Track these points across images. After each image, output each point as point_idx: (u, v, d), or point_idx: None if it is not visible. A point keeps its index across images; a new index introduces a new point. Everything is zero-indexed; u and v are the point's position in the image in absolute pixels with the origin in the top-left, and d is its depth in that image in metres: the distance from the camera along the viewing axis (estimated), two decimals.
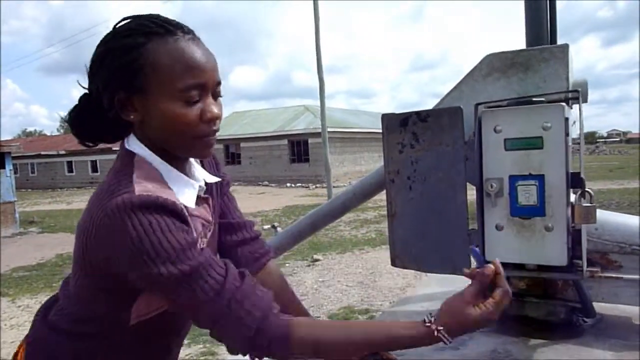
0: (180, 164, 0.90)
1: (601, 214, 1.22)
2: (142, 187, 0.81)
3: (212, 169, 1.05)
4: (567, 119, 1.00)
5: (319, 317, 4.70)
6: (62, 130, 63.21)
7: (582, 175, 1.01)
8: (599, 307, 1.25)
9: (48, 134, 63.00)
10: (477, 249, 1.00)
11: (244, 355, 0.84)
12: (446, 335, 0.75)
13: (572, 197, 1.05)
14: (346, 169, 25.29)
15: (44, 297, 6.17)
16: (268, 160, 26.43)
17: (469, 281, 0.88)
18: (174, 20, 0.88)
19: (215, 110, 0.85)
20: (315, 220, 1.58)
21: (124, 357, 0.96)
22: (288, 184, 24.58)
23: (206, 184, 0.95)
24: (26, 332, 3.19)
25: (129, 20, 0.88)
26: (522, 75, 1.13)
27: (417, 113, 1.10)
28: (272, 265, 1.08)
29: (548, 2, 1.40)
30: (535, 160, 1.02)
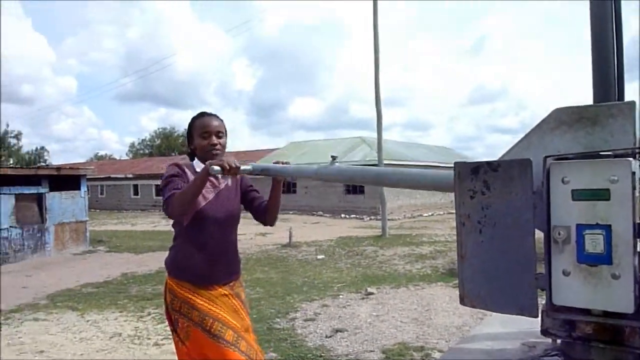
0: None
1: None
2: (178, 162, 2.28)
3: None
4: (634, 173, 1.06)
5: (373, 351, 4.70)
6: (130, 155, 66.95)
7: None
8: None
9: (117, 158, 66.83)
10: None
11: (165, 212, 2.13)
12: (208, 168, 2.05)
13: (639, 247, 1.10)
14: (401, 202, 25.08)
15: (109, 314, 6.57)
16: (323, 191, 26.72)
17: (531, 322, 1.07)
18: (207, 112, 2.35)
19: (214, 141, 2.25)
20: (365, 174, 1.70)
21: (191, 244, 2.20)
22: (342, 215, 24.68)
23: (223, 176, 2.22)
24: (93, 346, 3.72)
25: (195, 114, 2.36)
26: (590, 130, 1.20)
27: (489, 163, 1.20)
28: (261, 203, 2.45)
29: (615, 58, 1.47)
30: (602, 210, 1.09)
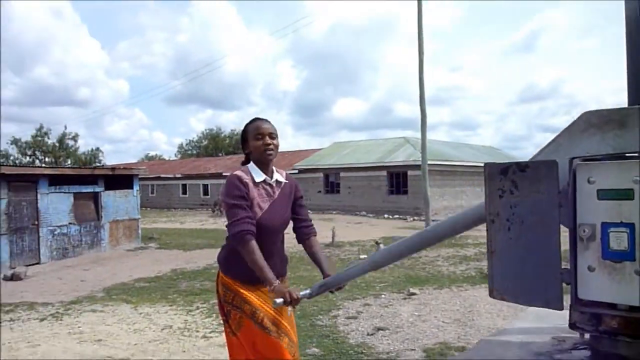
0: (264, 168, 2.39)
1: None
2: (238, 172, 2.35)
3: (291, 182, 2.56)
4: None
5: (414, 350, 4.74)
6: (179, 156, 69.09)
7: None
8: None
9: (166, 158, 69.08)
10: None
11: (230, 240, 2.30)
12: (273, 287, 2.13)
13: None
14: (446, 202, 24.70)
15: (160, 307, 6.91)
16: (366, 191, 26.69)
17: (562, 318, 1.15)
18: (259, 117, 2.48)
19: (268, 141, 2.36)
20: (411, 245, 1.79)
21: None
22: (385, 215, 24.57)
23: (279, 181, 2.44)
24: (146, 336, 3.96)
25: (250, 120, 2.48)
26: (618, 132, 1.25)
27: (517, 164, 1.28)
28: (314, 241, 2.58)
29: None
30: (627, 209, 1.14)
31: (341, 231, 15.88)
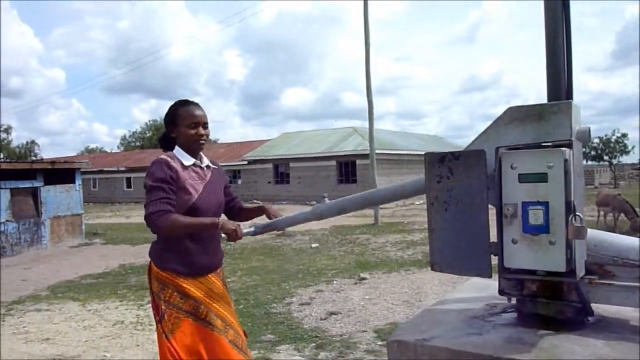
0: (193, 155, 2.24)
1: (598, 234, 1.52)
2: (164, 156, 2.17)
3: (219, 168, 2.42)
4: (566, 160, 1.32)
5: (366, 331, 4.96)
6: (122, 148, 66.64)
7: (576, 203, 1.33)
8: (601, 309, 1.54)
9: (109, 150, 66.44)
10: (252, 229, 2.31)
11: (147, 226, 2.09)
12: (219, 226, 2.07)
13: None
14: None
15: (110, 303, 6.80)
16: (316, 180, 26.95)
17: (496, 289, 1.39)
18: (190, 100, 2.29)
19: (202, 132, 2.22)
20: (354, 202, 2.05)
21: (184, 236, 2.14)
22: None
23: (209, 166, 2.30)
24: (97, 333, 3.82)
25: (176, 102, 2.28)
26: (536, 124, 1.46)
27: (452, 153, 1.46)
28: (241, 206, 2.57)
29: (566, 59, 1.71)
30: (542, 190, 1.35)
31: None
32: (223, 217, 2.40)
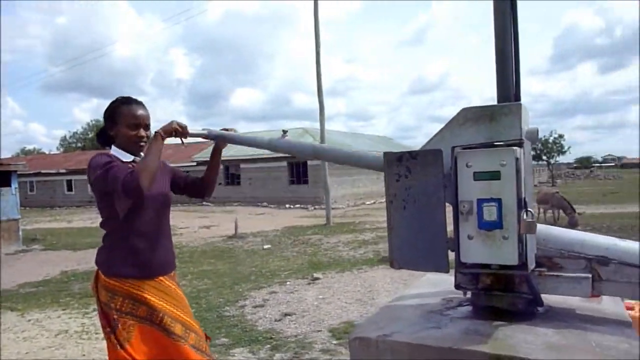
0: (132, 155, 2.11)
1: (546, 229, 1.61)
2: (102, 153, 2.05)
3: (162, 162, 2.16)
4: (517, 159, 1.39)
5: (320, 331, 4.99)
6: (61, 149, 63.55)
7: (527, 199, 1.40)
8: (549, 299, 1.63)
9: (47, 152, 63.15)
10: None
11: (124, 195, 1.93)
12: (162, 134, 2.05)
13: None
14: (345, 191, 25.63)
15: (52, 312, 6.48)
16: (267, 182, 26.81)
17: (451, 283, 1.44)
18: (132, 98, 2.18)
19: (143, 134, 2.10)
20: (307, 148, 2.18)
21: (132, 236, 2.06)
22: (287, 205, 24.89)
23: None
24: (38, 344, 3.63)
25: (118, 98, 2.17)
26: (489, 125, 1.52)
27: (410, 152, 1.50)
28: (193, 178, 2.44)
29: (514, 62, 1.79)
30: (495, 188, 1.41)
31: (244, 223, 15.84)
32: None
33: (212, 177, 2.42)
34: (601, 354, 1.28)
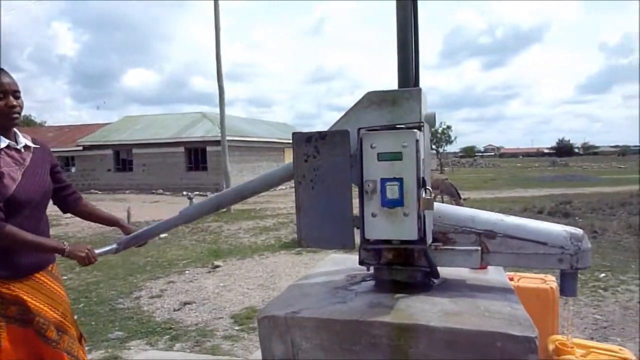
0: (6, 133, 1.91)
1: (441, 206, 1.76)
2: None
3: (43, 146, 2.10)
4: (417, 141, 1.48)
5: (222, 317, 4.94)
6: None
7: (426, 179, 1.52)
8: (443, 271, 1.78)
9: None
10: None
11: None
12: (67, 252, 1.89)
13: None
14: (245, 177, 25.21)
15: None
16: (163, 168, 25.60)
17: (355, 261, 1.53)
18: None
19: (13, 102, 1.88)
20: (222, 200, 1.99)
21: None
22: (184, 192, 24.01)
23: (28, 146, 1.99)
24: None
25: None
26: (391, 108, 1.60)
27: (319, 133, 1.53)
28: (85, 202, 2.30)
29: (414, 51, 1.90)
30: (398, 168, 1.50)
31: (137, 211, 15.04)
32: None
33: (87, 218, 2.31)
34: (490, 317, 1.44)
